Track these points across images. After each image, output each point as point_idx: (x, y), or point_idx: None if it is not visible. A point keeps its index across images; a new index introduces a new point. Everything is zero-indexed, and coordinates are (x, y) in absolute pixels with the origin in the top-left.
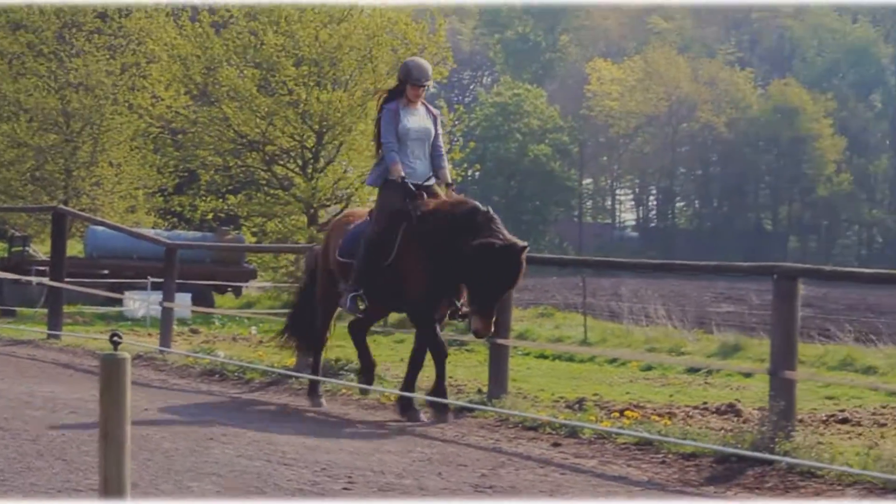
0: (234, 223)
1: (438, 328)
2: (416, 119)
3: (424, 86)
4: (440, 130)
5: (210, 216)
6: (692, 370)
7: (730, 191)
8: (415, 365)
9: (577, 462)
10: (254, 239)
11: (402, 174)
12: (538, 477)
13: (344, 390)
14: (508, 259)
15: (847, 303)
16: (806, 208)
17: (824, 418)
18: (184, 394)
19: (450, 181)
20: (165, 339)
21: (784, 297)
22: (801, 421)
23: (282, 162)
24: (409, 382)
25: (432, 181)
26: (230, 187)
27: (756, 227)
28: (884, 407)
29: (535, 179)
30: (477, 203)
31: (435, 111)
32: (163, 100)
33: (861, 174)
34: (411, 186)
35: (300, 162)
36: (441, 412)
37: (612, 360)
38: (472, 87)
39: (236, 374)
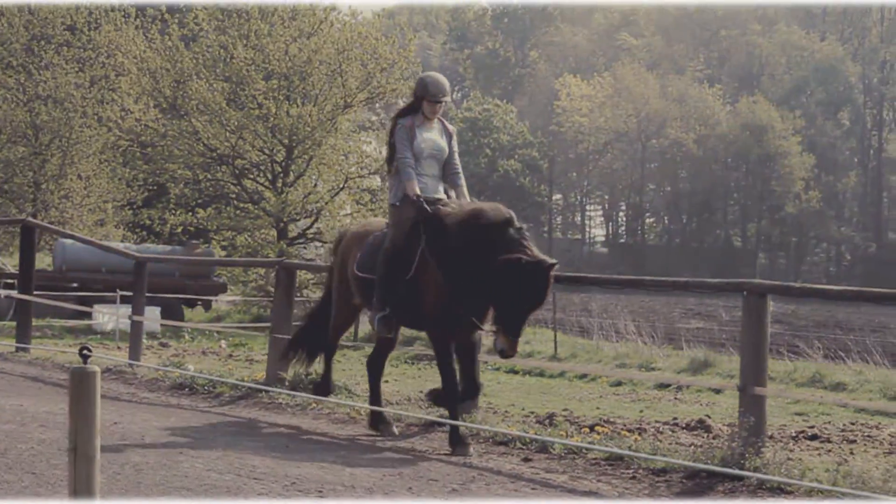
0: (203, 237)
1: (476, 352)
2: (431, 137)
3: (441, 101)
4: (455, 147)
5: (179, 230)
6: (662, 386)
7: (699, 207)
8: (452, 398)
9: (548, 477)
10: (223, 253)
11: (418, 192)
12: (508, 492)
13: (314, 404)
14: (537, 277)
15: (816, 319)
16: (775, 225)
17: (794, 434)
18: (153, 407)
19: (469, 200)
20: (135, 353)
21: (753, 314)
22: (770, 437)
23: (251, 176)
24: (452, 413)
25: (443, 196)
26: (200, 201)
27: (725, 244)
28: (853, 423)
29: (504, 195)
30: (511, 213)
31: (451, 128)
32: (132, 113)
33: (829, 192)
34: (427, 207)
35: (270, 176)
36: (458, 445)
37: (583, 376)
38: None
39: (206, 387)
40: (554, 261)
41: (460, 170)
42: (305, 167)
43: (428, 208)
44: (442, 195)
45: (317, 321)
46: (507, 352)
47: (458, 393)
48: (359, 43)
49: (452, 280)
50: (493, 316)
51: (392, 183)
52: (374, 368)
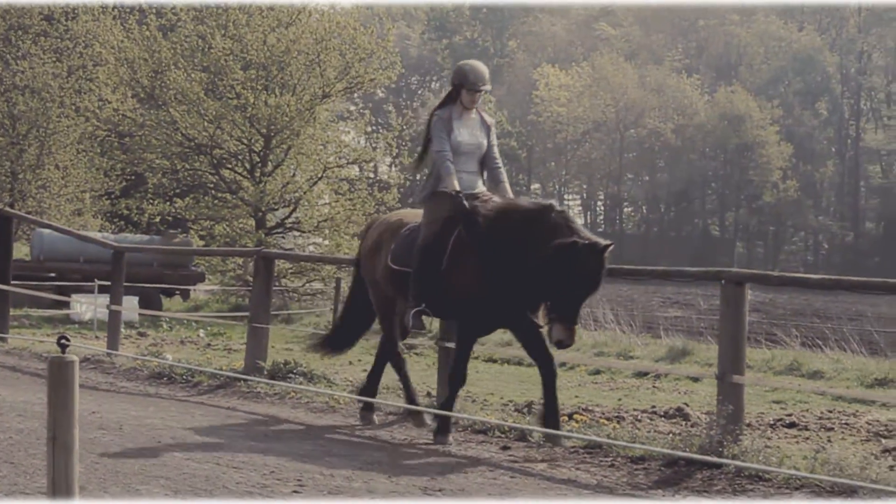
0: (181, 226)
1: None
2: (469, 131)
3: (481, 91)
4: (494, 141)
5: (157, 219)
6: (640, 374)
7: (677, 196)
8: (454, 381)
9: (526, 465)
10: (201, 242)
11: (458, 187)
12: (487, 480)
13: (292, 393)
14: (592, 259)
15: (793, 308)
16: (752, 214)
17: (772, 422)
18: (132, 397)
19: (511, 196)
20: (113, 342)
21: (732, 303)
22: (748, 425)
23: (230, 165)
24: (448, 402)
25: (481, 192)
26: (178, 190)
27: (703, 233)
28: (830, 411)
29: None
30: (551, 201)
31: (489, 120)
32: (110, 103)
33: (807, 181)
34: (465, 203)
35: (248, 165)
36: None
37: (561, 364)
38: (420, 92)
39: (184, 377)
40: (608, 242)
41: (501, 164)
42: (284, 157)
43: (466, 203)
44: (481, 189)
45: (352, 314)
46: (566, 341)
47: (462, 380)
48: (337, 33)
49: (494, 271)
50: (547, 305)
51: (426, 178)
52: (396, 362)
